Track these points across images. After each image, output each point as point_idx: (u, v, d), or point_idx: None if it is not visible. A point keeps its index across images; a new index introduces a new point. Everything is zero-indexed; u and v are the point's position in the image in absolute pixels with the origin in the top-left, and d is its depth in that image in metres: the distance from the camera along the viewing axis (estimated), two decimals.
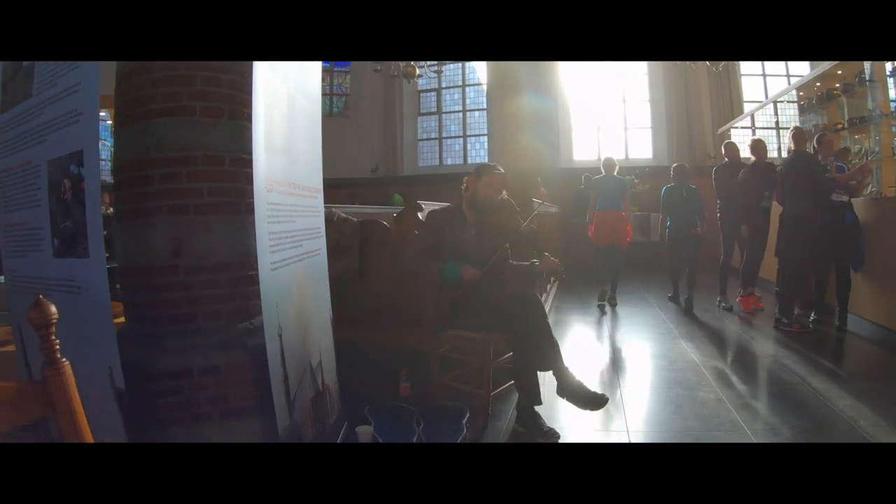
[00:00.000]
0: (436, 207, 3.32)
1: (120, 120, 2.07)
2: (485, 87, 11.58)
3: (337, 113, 12.40)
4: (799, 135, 4.54)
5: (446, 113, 11.83)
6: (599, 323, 5.06)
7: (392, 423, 2.56)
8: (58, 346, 0.95)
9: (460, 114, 11.73)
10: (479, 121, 11.63)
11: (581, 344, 4.34)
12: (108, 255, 1.77)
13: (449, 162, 11.94)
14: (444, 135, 11.91)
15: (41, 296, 0.95)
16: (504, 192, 2.80)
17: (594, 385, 2.68)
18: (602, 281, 5.73)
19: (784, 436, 2.43)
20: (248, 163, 2.18)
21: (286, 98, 2.12)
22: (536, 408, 2.55)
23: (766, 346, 4.01)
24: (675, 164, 5.78)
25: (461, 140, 11.76)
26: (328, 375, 2.41)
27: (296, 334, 2.05)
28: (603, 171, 5.78)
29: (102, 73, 1.68)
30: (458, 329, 2.72)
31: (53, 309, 0.94)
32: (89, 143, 1.66)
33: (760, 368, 3.54)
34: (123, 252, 2.12)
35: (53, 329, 0.95)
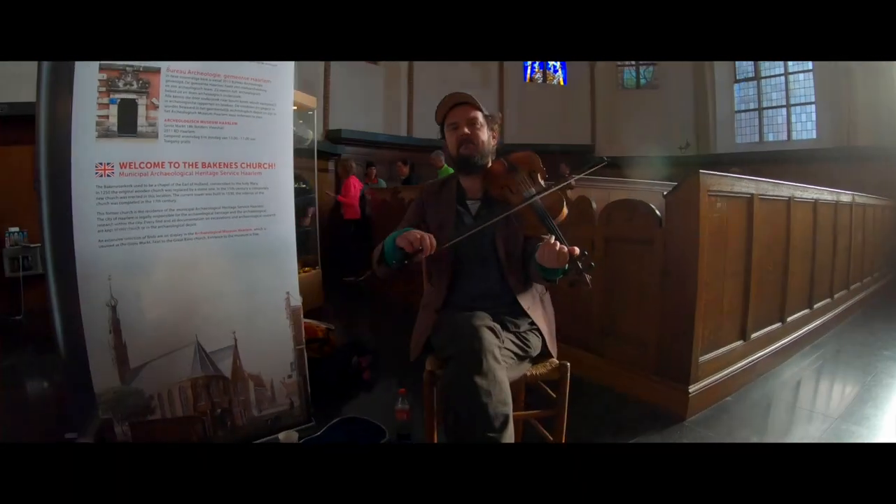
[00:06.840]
0: None
1: None
2: None
3: (644, 85, 11.31)
4: None
5: (765, 78, 9.41)
6: None
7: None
8: None
9: (782, 77, 9.17)
10: (804, 85, 8.89)
11: None
12: None
13: (771, 138, 9.58)
14: (764, 104, 9.55)
15: None
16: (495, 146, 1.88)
17: None
18: None
19: None
20: None
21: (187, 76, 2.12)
22: None
23: None
24: None
25: (784, 110, 9.22)
26: (267, 370, 2.34)
27: (159, 308, 2.07)
28: None
29: None
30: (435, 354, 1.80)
31: None
32: None
33: None
34: None
35: None
